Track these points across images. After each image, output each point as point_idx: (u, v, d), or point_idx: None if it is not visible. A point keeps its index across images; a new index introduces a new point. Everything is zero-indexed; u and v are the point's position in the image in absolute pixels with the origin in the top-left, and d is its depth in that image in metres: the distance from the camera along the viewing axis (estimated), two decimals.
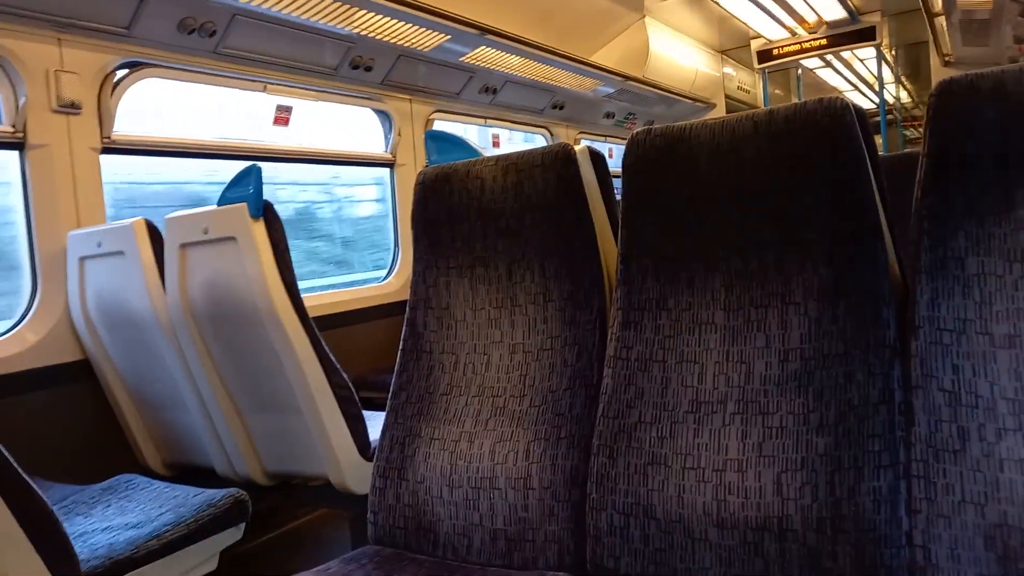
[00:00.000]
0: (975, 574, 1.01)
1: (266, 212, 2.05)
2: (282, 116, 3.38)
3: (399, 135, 3.90)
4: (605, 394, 1.33)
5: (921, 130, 1.19)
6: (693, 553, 1.19)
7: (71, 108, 2.46)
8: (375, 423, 2.01)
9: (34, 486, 1.39)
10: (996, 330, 1.07)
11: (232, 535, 1.88)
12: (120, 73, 2.63)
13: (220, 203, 2.11)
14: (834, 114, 1.18)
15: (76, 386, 2.47)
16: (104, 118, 2.56)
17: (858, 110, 1.20)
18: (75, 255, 2.41)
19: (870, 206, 1.17)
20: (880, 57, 6.26)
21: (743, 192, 1.26)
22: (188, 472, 2.50)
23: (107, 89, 2.58)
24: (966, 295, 1.10)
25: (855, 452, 1.11)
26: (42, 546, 1.42)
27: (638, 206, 1.35)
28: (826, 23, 5.78)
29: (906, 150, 5.34)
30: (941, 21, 4.59)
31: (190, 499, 1.85)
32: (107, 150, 2.60)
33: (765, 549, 1.13)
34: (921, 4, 4.46)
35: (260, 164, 2.09)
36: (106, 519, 1.83)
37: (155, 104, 2.97)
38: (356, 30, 3.13)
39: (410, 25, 3.24)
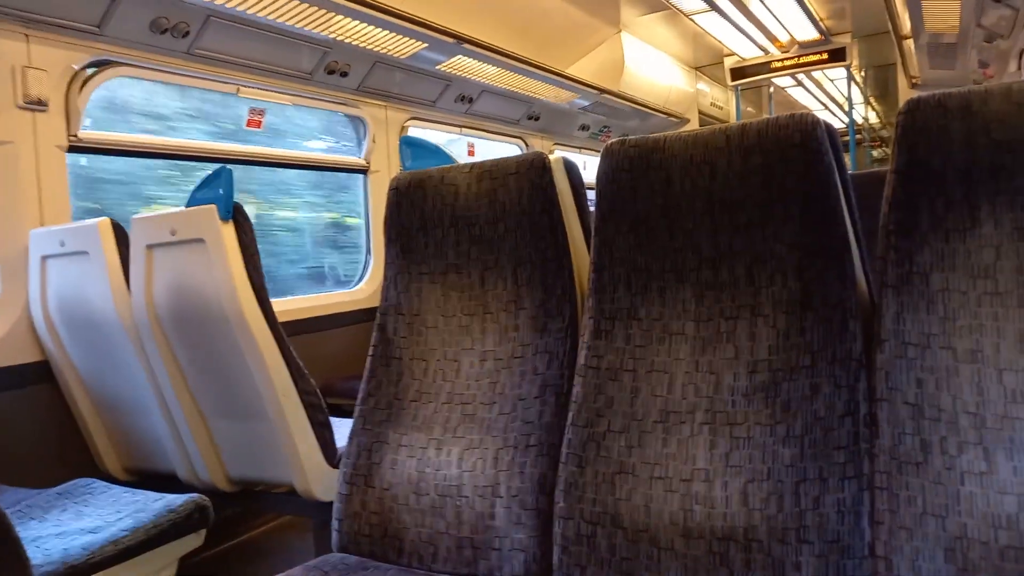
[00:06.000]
0: None
1: (236, 214, 2.02)
2: (255, 119, 3.35)
3: (374, 141, 3.88)
4: (575, 403, 1.33)
5: (888, 150, 1.21)
6: (659, 563, 1.18)
7: (37, 105, 2.41)
8: (342, 430, 1.99)
9: None
10: (959, 345, 1.09)
11: (193, 541, 1.84)
12: (89, 71, 2.59)
13: (189, 204, 2.08)
14: (805, 129, 1.20)
15: (35, 388, 2.41)
16: (71, 116, 2.51)
17: (828, 127, 1.22)
18: (37, 254, 2.35)
19: (839, 220, 1.18)
20: (850, 78, 6.39)
21: (715, 204, 1.27)
22: (149, 478, 2.45)
23: (75, 87, 2.53)
24: (930, 310, 1.12)
25: (820, 463, 1.12)
26: None
27: (611, 215, 1.36)
28: (798, 43, 5.89)
29: (874, 168, 5.44)
30: (909, 44, 4.70)
31: (150, 504, 1.81)
32: (74, 149, 2.55)
33: (730, 559, 1.14)
34: (890, 27, 4.57)
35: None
36: (62, 524, 1.78)
37: None
38: (332, 35, 3.11)
39: (387, 32, 3.23)
